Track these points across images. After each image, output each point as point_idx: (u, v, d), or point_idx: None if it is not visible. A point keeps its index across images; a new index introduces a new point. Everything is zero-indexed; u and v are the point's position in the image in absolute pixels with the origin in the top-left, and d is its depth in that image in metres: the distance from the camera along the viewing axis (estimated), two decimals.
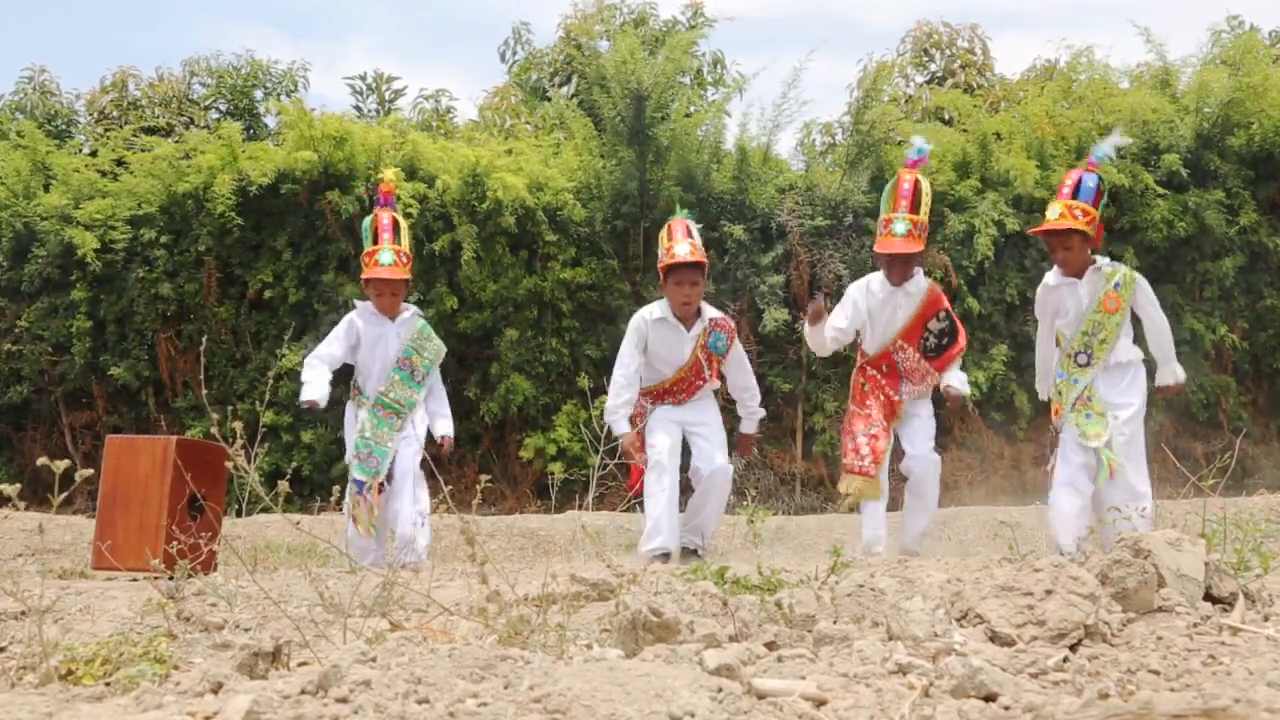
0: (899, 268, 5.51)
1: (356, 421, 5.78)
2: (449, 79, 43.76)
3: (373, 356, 5.77)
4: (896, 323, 5.55)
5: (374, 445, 5.66)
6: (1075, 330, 5.29)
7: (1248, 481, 9.36)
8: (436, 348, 5.92)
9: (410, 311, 5.93)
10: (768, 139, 10.55)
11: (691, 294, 5.57)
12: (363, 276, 5.94)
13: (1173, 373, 5.39)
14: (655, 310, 5.70)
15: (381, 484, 5.65)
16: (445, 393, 6.11)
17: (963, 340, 5.69)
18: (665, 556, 5.45)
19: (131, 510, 4.80)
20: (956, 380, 5.65)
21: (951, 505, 8.78)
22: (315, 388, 5.64)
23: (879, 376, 5.61)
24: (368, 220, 5.94)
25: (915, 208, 5.43)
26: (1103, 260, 5.32)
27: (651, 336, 5.64)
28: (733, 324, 5.94)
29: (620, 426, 5.57)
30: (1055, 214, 5.25)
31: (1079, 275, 5.27)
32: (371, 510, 5.62)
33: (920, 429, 5.63)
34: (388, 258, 5.73)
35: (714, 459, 5.64)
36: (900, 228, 5.41)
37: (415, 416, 5.80)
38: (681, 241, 5.57)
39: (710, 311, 5.76)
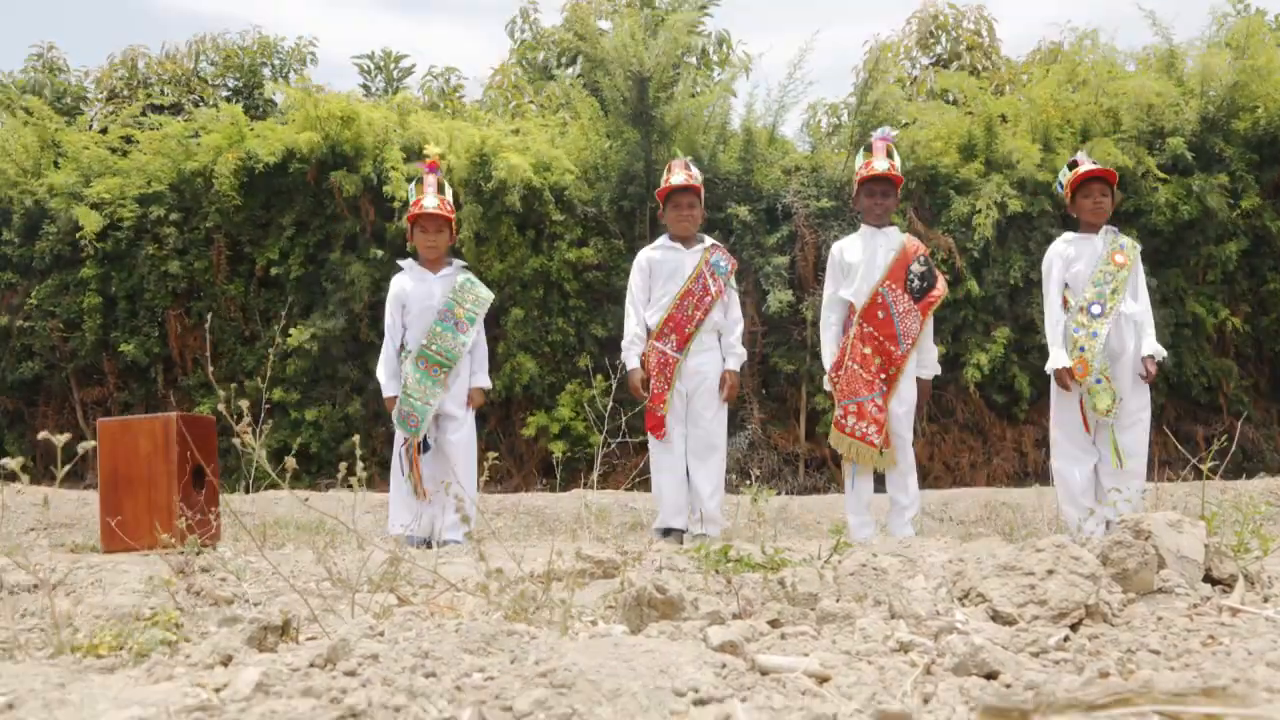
0: (879, 200, 5.76)
1: (402, 376, 5.89)
2: (456, 57, 43.61)
3: (420, 309, 5.93)
4: (878, 265, 5.71)
5: (415, 403, 5.79)
6: (1087, 282, 5.56)
7: (1248, 465, 9.38)
8: (479, 297, 6.03)
9: (455, 265, 6.11)
10: (774, 120, 10.52)
11: (689, 215, 5.91)
12: (407, 217, 6.13)
13: (1152, 345, 5.59)
14: (654, 244, 6.06)
15: (420, 444, 5.79)
16: (486, 350, 6.26)
17: (942, 286, 5.90)
18: (667, 533, 5.69)
19: (137, 491, 4.81)
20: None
21: (952, 486, 8.81)
22: (389, 386, 5.97)
23: (875, 333, 5.68)
24: (414, 181, 6.20)
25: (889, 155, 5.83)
26: (1109, 228, 5.72)
27: (655, 263, 5.92)
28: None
29: (630, 362, 5.89)
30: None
31: (1097, 230, 5.65)
32: (416, 470, 5.79)
33: (907, 388, 5.75)
34: (432, 200, 5.96)
35: (705, 422, 5.82)
36: (880, 164, 5.77)
37: (457, 387, 5.92)
38: (679, 172, 5.96)
39: (709, 239, 6.07)
